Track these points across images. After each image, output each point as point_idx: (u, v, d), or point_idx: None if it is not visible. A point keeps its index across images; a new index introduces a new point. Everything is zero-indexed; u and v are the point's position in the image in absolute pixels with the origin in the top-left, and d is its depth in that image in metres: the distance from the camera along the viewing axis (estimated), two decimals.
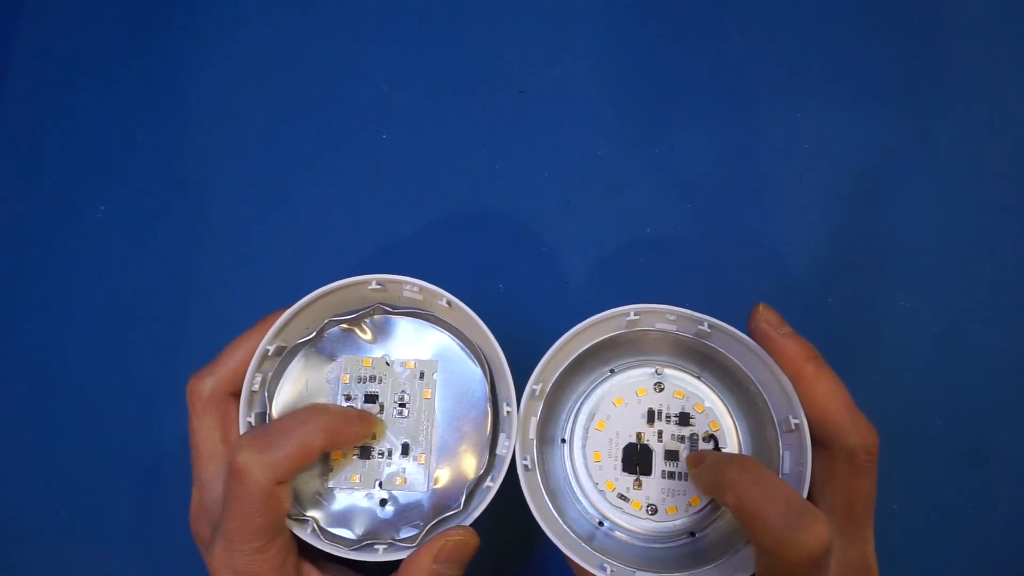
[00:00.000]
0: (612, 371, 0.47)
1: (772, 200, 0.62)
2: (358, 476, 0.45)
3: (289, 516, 0.42)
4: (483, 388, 0.46)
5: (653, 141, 0.63)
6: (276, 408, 0.45)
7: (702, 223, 0.61)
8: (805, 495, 0.40)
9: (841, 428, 0.40)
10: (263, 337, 0.43)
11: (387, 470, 0.45)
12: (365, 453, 0.45)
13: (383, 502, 0.45)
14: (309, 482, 0.44)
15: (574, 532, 0.44)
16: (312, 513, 0.43)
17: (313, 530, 0.42)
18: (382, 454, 0.45)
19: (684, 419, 0.46)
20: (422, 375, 0.46)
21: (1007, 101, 0.62)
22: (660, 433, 0.46)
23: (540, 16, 0.66)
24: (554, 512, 0.44)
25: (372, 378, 0.46)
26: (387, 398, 0.46)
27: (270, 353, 0.44)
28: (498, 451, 0.44)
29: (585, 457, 0.46)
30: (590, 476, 0.46)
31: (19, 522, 0.60)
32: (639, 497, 0.45)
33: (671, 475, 0.45)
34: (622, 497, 0.45)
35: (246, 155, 0.65)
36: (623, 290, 0.61)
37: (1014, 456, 0.57)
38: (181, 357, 0.61)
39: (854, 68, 0.63)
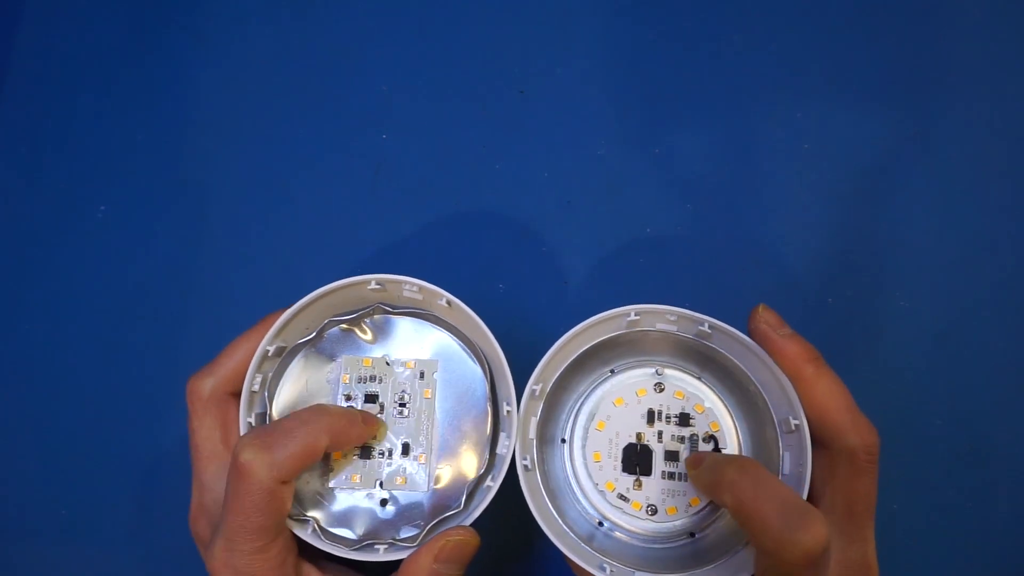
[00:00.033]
0: (612, 371, 0.47)
1: (772, 200, 0.62)
2: (359, 476, 0.45)
3: (290, 516, 0.42)
4: (483, 388, 0.46)
5: (653, 141, 0.63)
6: (276, 409, 0.45)
7: (702, 223, 0.61)
8: (805, 496, 0.41)
9: (842, 428, 0.40)
10: (263, 337, 0.43)
11: (387, 470, 0.45)
12: (366, 453, 0.45)
13: (383, 502, 0.45)
14: (310, 482, 0.44)
15: (574, 532, 0.44)
16: (313, 513, 0.43)
17: (314, 530, 0.42)
18: (382, 454, 0.45)
19: (684, 420, 0.46)
20: (422, 375, 0.46)
21: (1007, 101, 0.62)
22: (660, 433, 0.46)
23: (540, 16, 0.66)
24: (554, 512, 0.44)
25: (372, 378, 0.46)
26: (387, 398, 0.46)
27: (270, 353, 0.44)
28: (498, 451, 0.44)
29: (585, 457, 0.46)
30: (590, 476, 0.46)
31: (19, 522, 0.60)
32: (639, 497, 0.45)
33: (671, 476, 0.45)
34: (622, 497, 0.45)
35: (246, 155, 0.65)
36: (623, 290, 0.61)
37: (1014, 456, 0.57)
38: (181, 357, 0.61)
39: (854, 68, 0.63)
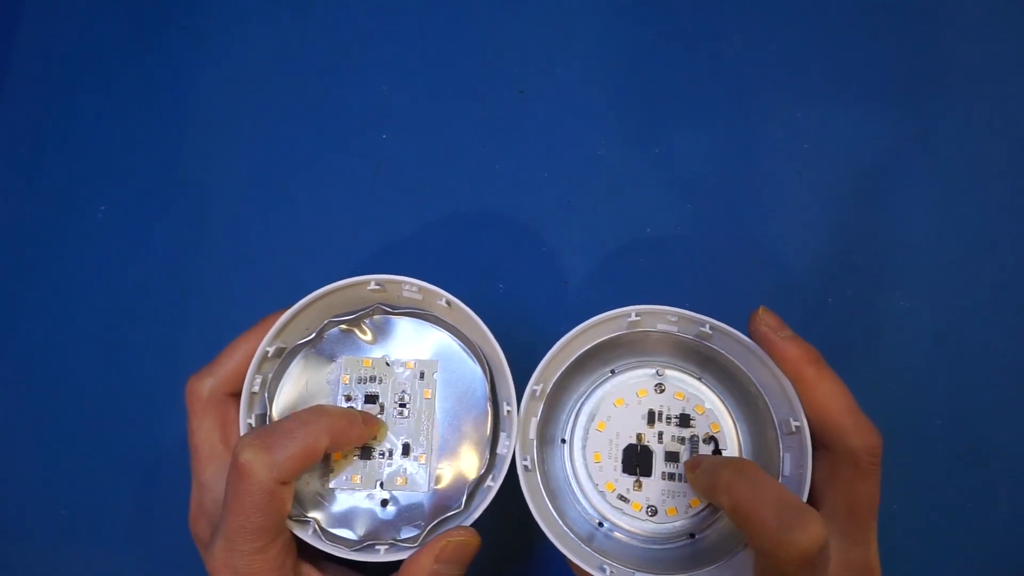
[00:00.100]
0: (613, 372, 0.47)
1: (772, 200, 0.61)
2: (359, 476, 0.45)
3: (290, 517, 0.42)
4: (483, 388, 0.46)
5: (653, 141, 0.63)
6: (276, 410, 0.45)
7: (702, 223, 0.61)
8: (805, 497, 0.41)
9: (844, 430, 0.40)
10: (262, 338, 0.43)
11: (388, 470, 0.45)
12: (366, 453, 0.45)
13: (384, 502, 0.45)
14: (310, 483, 0.44)
15: (574, 533, 0.44)
16: (313, 514, 0.43)
17: (314, 531, 0.42)
18: (383, 454, 0.45)
19: (684, 420, 0.46)
20: (422, 375, 0.46)
21: (1007, 101, 0.62)
22: (660, 434, 0.46)
23: (540, 16, 0.66)
24: (554, 513, 0.44)
25: (372, 378, 0.46)
26: (387, 398, 0.46)
27: (270, 354, 0.44)
28: (498, 451, 0.45)
29: (585, 458, 0.46)
30: (590, 477, 0.46)
31: (19, 522, 0.60)
32: (639, 498, 0.45)
33: (671, 476, 0.45)
34: (622, 498, 0.45)
35: (246, 155, 0.65)
36: (623, 290, 0.61)
37: (1014, 456, 0.57)
38: (181, 357, 0.61)
39: (854, 68, 0.63)
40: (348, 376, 0.46)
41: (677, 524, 0.45)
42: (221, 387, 0.44)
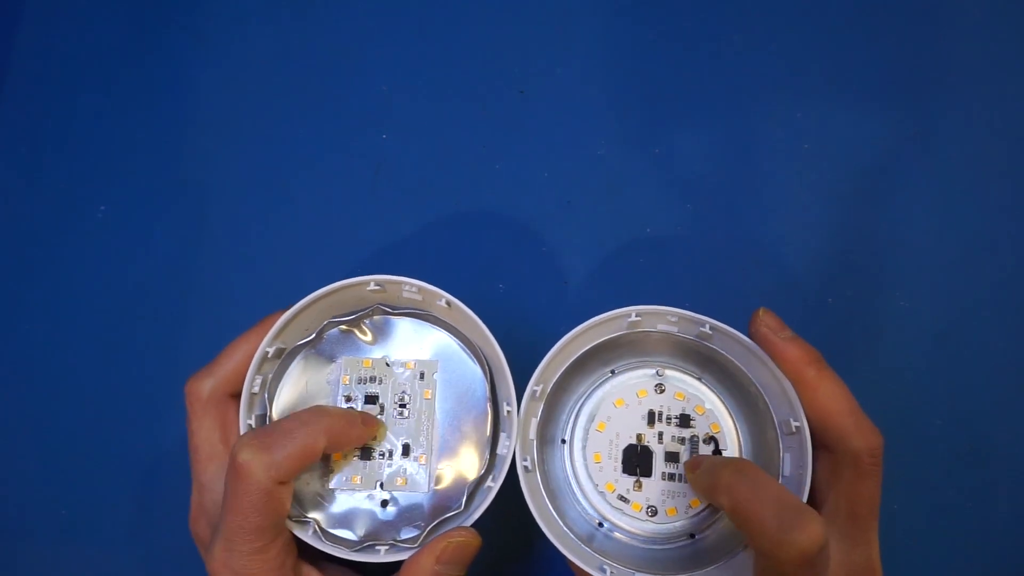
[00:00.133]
0: (613, 372, 0.47)
1: (772, 200, 0.61)
2: (359, 477, 0.45)
3: (290, 518, 0.42)
4: (483, 388, 0.46)
5: (653, 141, 0.63)
6: (276, 410, 0.45)
7: (702, 223, 0.61)
8: (805, 498, 0.41)
9: (845, 431, 0.40)
10: (262, 338, 0.43)
11: (388, 471, 0.45)
12: (366, 454, 0.45)
13: (384, 503, 0.45)
14: (310, 483, 0.44)
15: (574, 533, 0.44)
16: (313, 514, 0.43)
17: (314, 531, 0.42)
18: (383, 455, 0.45)
19: (685, 421, 0.46)
20: (422, 375, 0.46)
21: (1007, 101, 0.62)
22: (660, 435, 0.46)
23: (540, 16, 0.66)
24: (554, 513, 0.44)
25: (372, 379, 0.46)
26: (387, 399, 0.46)
27: (270, 355, 0.44)
28: (499, 451, 0.45)
29: (585, 458, 0.46)
30: (590, 477, 0.46)
31: (19, 522, 0.60)
32: (639, 499, 0.45)
33: (671, 477, 0.45)
34: (622, 498, 0.45)
35: (246, 155, 0.65)
36: (623, 290, 0.60)
37: (1014, 456, 0.57)
38: (181, 357, 0.61)
39: (854, 68, 0.63)
40: (348, 376, 0.46)
41: (677, 524, 0.45)
42: (221, 387, 0.44)
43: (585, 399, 0.47)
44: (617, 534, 0.45)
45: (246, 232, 0.63)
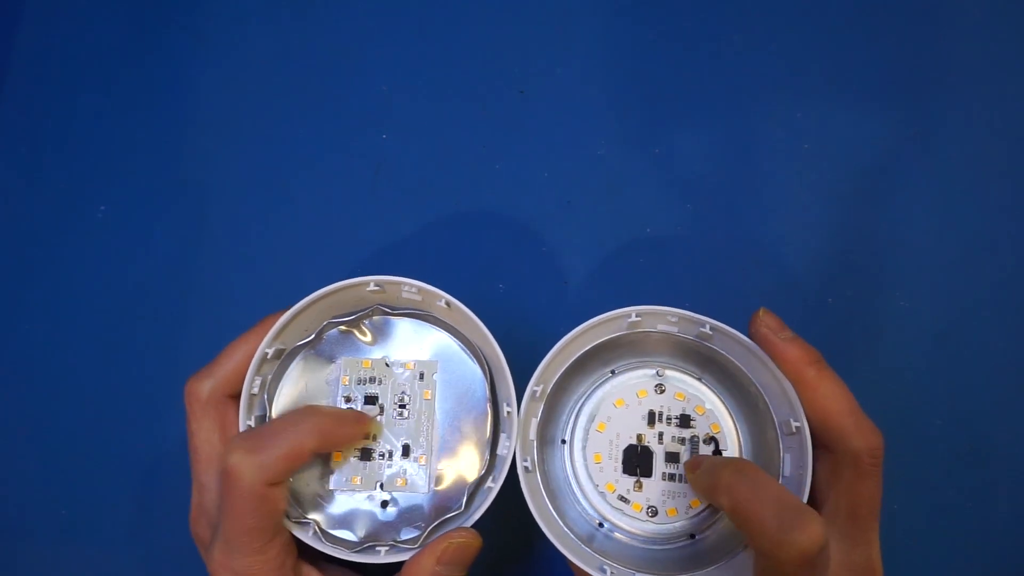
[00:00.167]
0: (613, 372, 0.47)
1: (772, 200, 0.61)
2: (359, 478, 0.45)
3: (290, 518, 0.42)
4: (483, 388, 0.46)
5: (653, 141, 0.63)
6: (276, 411, 0.45)
7: (702, 223, 0.61)
8: (806, 498, 0.41)
9: (845, 431, 0.40)
10: (261, 339, 0.43)
11: (388, 472, 0.45)
12: (366, 455, 0.45)
13: (384, 504, 0.45)
14: (310, 484, 0.44)
15: (574, 533, 0.44)
16: (313, 515, 0.43)
17: (314, 532, 0.42)
18: (383, 455, 0.45)
19: (685, 421, 0.46)
20: (422, 376, 0.46)
21: (1007, 101, 0.62)
22: (661, 435, 0.46)
23: (540, 16, 0.66)
24: (554, 513, 0.44)
25: (372, 379, 0.46)
26: (387, 399, 0.46)
27: (269, 356, 0.44)
28: (499, 452, 0.44)
29: (585, 458, 0.46)
30: (590, 477, 0.46)
31: (19, 522, 0.60)
32: (639, 499, 0.45)
33: (671, 477, 0.45)
34: (622, 499, 0.45)
35: (246, 155, 0.65)
36: (623, 290, 0.60)
37: (1014, 456, 0.57)
38: (181, 357, 0.61)
39: (854, 68, 0.63)
40: (348, 377, 0.46)
41: (677, 525, 0.45)
42: (220, 388, 0.43)
43: (585, 399, 0.47)
44: (617, 534, 0.45)
45: (246, 232, 0.63)
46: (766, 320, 0.42)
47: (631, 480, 0.45)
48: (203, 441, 0.43)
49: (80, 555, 0.59)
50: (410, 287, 0.44)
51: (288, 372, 0.46)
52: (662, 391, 0.46)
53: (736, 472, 0.38)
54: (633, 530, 0.45)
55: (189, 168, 0.65)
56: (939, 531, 0.56)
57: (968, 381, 0.58)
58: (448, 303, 0.44)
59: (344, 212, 0.63)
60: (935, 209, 0.60)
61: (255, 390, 0.43)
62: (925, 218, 0.60)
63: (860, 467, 0.40)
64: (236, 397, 0.43)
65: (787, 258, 0.60)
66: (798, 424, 0.41)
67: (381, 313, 0.47)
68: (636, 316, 0.44)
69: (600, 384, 0.47)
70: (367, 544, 0.43)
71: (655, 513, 0.45)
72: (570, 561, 0.41)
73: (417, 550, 0.41)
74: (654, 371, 0.47)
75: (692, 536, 0.45)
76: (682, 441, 0.45)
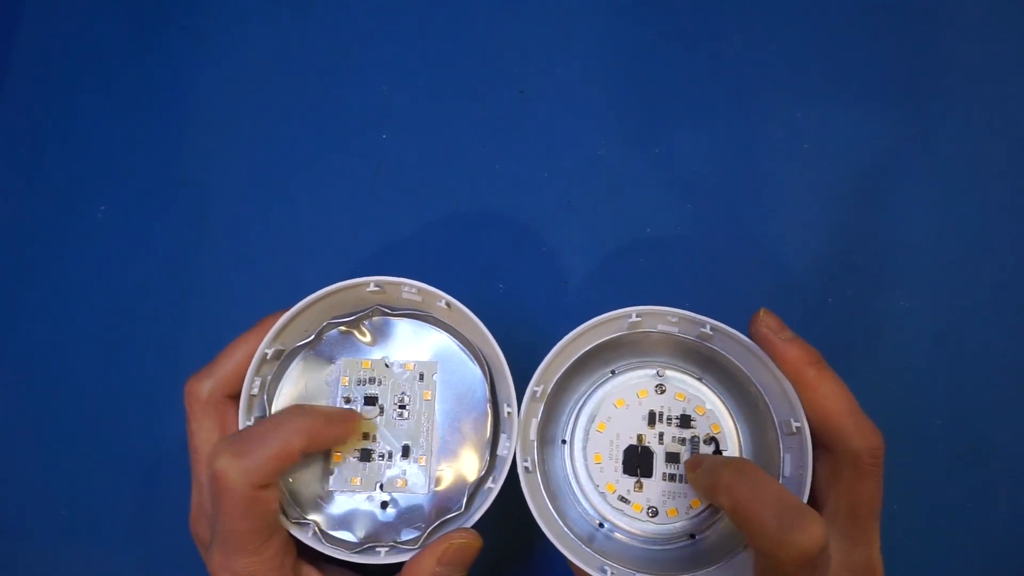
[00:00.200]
0: (613, 372, 0.47)
1: (772, 200, 0.61)
2: (359, 479, 0.45)
3: (290, 519, 0.42)
4: (483, 389, 0.46)
5: (653, 141, 0.63)
6: (275, 412, 0.45)
7: (702, 223, 0.61)
8: (806, 498, 0.41)
9: (845, 432, 0.40)
10: (261, 339, 0.43)
11: (388, 472, 0.45)
12: (365, 456, 0.45)
13: (384, 504, 0.45)
14: (309, 485, 0.44)
15: (574, 534, 0.44)
16: (313, 516, 0.43)
17: (314, 533, 0.42)
18: (382, 456, 0.45)
19: (685, 421, 0.46)
20: (422, 376, 0.46)
21: (1007, 101, 0.62)
22: (661, 435, 0.46)
23: (540, 16, 0.66)
24: (554, 514, 0.44)
25: (372, 380, 0.46)
26: (387, 400, 0.46)
27: (269, 356, 0.44)
28: (499, 452, 0.44)
29: (586, 459, 0.46)
30: (591, 478, 0.46)
31: (19, 522, 0.60)
32: (640, 499, 0.45)
33: (672, 477, 0.45)
34: (623, 499, 0.45)
35: (246, 155, 0.65)
36: (623, 290, 0.60)
37: (1014, 456, 0.57)
38: (181, 357, 0.61)
39: (854, 68, 0.63)
40: (347, 378, 0.46)
41: (678, 525, 0.45)
42: (220, 388, 0.43)
43: (585, 399, 0.47)
44: (617, 535, 0.45)
45: (246, 232, 0.63)
46: (766, 320, 0.42)
47: (631, 480, 0.45)
48: (203, 441, 0.43)
49: (80, 555, 0.59)
50: (410, 287, 0.44)
51: (288, 372, 0.46)
52: (662, 391, 0.46)
53: (736, 472, 0.38)
54: (633, 530, 0.45)
55: (189, 168, 0.65)
56: (939, 531, 0.56)
57: (968, 381, 0.58)
58: (448, 303, 0.44)
59: (344, 212, 0.63)
60: (935, 209, 0.60)
61: (255, 391, 0.43)
62: (925, 218, 0.60)
63: (860, 467, 0.40)
64: (236, 397, 0.43)
65: (787, 258, 0.60)
66: (798, 424, 0.41)
67: (381, 314, 0.47)
68: (636, 316, 0.44)
69: (600, 384, 0.47)
70: (367, 545, 0.43)
71: (655, 513, 0.45)
72: (570, 561, 0.41)
73: (417, 551, 0.41)
74: (654, 371, 0.47)
75: (692, 536, 0.45)
76: (682, 441, 0.45)
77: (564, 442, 0.47)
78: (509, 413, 0.43)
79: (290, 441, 0.39)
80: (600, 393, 0.47)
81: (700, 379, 0.46)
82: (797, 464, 0.42)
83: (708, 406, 0.46)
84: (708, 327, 0.43)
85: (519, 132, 0.64)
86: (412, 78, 0.65)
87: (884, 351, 0.59)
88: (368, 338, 0.47)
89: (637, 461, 0.45)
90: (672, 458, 0.45)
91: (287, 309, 0.44)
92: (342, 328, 0.47)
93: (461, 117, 0.64)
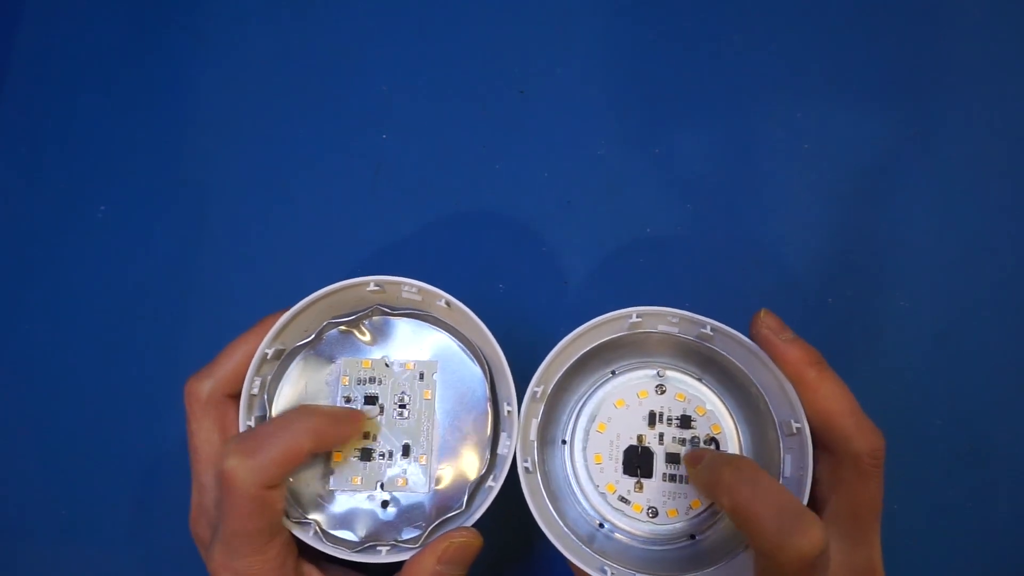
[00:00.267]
0: (613, 372, 0.47)
1: (772, 200, 0.61)
2: (359, 478, 0.45)
3: (291, 519, 0.42)
4: (483, 388, 0.46)
5: (653, 141, 0.63)
6: (276, 411, 0.45)
7: (702, 223, 0.61)
8: (806, 499, 0.41)
9: (846, 433, 0.40)
10: (261, 339, 0.43)
11: (388, 472, 0.45)
12: (366, 455, 0.45)
13: (385, 504, 0.45)
14: (310, 485, 0.44)
15: (574, 534, 0.44)
16: (314, 516, 0.43)
17: (315, 532, 0.42)
18: (383, 455, 0.45)
19: (685, 422, 0.46)
20: (422, 376, 0.46)
21: (1007, 101, 0.62)
22: (661, 436, 0.46)
23: (540, 16, 0.66)
24: (554, 514, 0.44)
25: (372, 379, 0.46)
26: (387, 399, 0.46)
27: (269, 356, 0.44)
28: (499, 451, 0.45)
29: (586, 459, 0.46)
30: (591, 478, 0.46)
31: (19, 522, 0.60)
32: (640, 499, 0.45)
33: (672, 478, 0.45)
34: (623, 499, 0.45)
35: (246, 155, 0.65)
36: (623, 290, 0.60)
37: (1014, 456, 0.57)
38: (181, 357, 0.61)
39: (854, 68, 0.63)
40: (348, 377, 0.46)
41: (678, 525, 0.45)
42: (220, 388, 0.43)
43: (586, 400, 0.47)
44: (617, 535, 0.45)
45: (246, 232, 0.63)
46: (767, 321, 0.42)
47: (631, 481, 0.45)
48: (203, 441, 0.43)
49: (80, 555, 0.59)
50: (410, 287, 0.44)
51: (288, 372, 0.46)
52: (663, 392, 0.46)
53: (737, 471, 0.38)
54: (633, 531, 0.45)
55: (189, 168, 0.65)
56: (939, 531, 0.56)
57: (968, 381, 0.58)
58: (448, 303, 0.44)
59: (344, 212, 0.63)
60: (935, 209, 0.60)
61: (255, 391, 0.43)
62: (925, 218, 0.60)
63: (861, 468, 0.40)
64: (236, 397, 0.43)
65: (787, 258, 0.60)
66: (799, 425, 0.41)
67: (381, 313, 0.47)
68: (637, 317, 0.44)
69: (601, 384, 0.47)
70: (368, 544, 0.43)
71: (655, 514, 0.45)
72: (570, 561, 0.41)
73: (418, 550, 0.41)
74: (655, 372, 0.47)
75: (692, 537, 0.45)
76: (683, 442, 0.45)
77: (564, 442, 0.47)
78: (509, 412, 0.43)
79: (299, 441, 0.39)
80: (600, 393, 0.47)
81: (700, 380, 0.46)
82: (797, 465, 0.42)
83: (708, 407, 0.46)
84: (708, 327, 0.43)
85: (519, 132, 0.64)
86: (412, 78, 0.65)
87: (884, 351, 0.58)
88: (368, 337, 0.47)
89: (637, 461, 0.45)
90: (672, 459, 0.45)
91: (287, 309, 0.44)
92: (342, 328, 0.47)
93: (461, 117, 0.64)
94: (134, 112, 0.66)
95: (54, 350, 0.62)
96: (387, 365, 0.46)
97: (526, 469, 0.43)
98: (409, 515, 0.45)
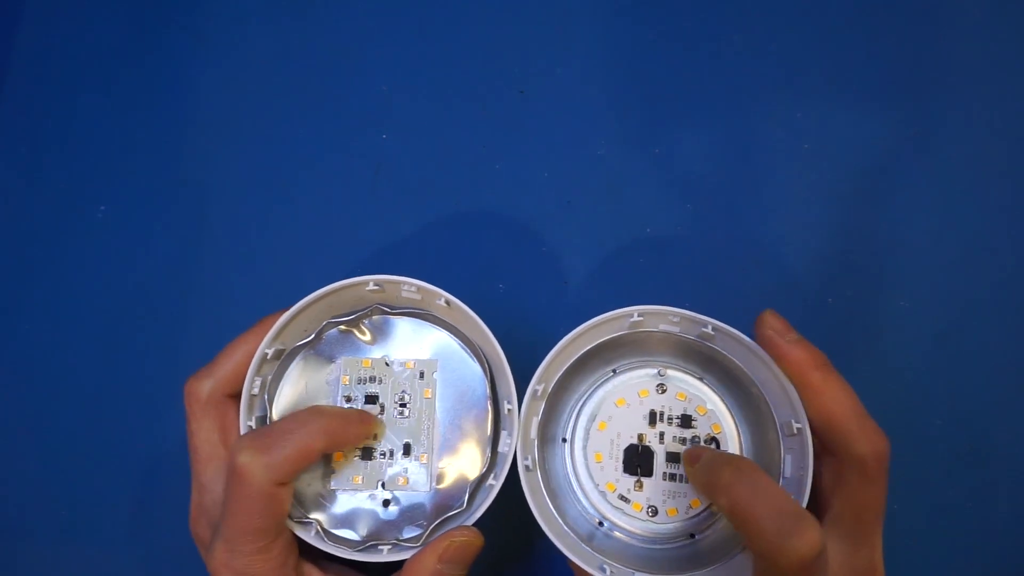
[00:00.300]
0: (614, 371, 0.47)
1: (772, 200, 0.61)
2: (360, 477, 0.45)
3: (292, 518, 0.42)
4: (483, 386, 0.46)
5: (653, 141, 0.63)
6: (276, 411, 0.45)
7: (702, 223, 0.61)
8: (806, 500, 0.40)
9: (850, 435, 0.40)
10: (261, 339, 0.43)
11: (389, 471, 0.45)
12: (367, 454, 0.45)
13: (386, 503, 0.45)
14: (311, 484, 0.44)
15: (574, 532, 0.44)
16: (315, 515, 0.43)
17: (317, 532, 0.42)
18: (384, 455, 0.45)
19: (686, 421, 0.46)
20: (422, 375, 0.46)
21: (1007, 101, 0.62)
22: (662, 435, 0.46)
23: (540, 16, 0.66)
24: (554, 512, 0.44)
25: (372, 379, 0.46)
26: (387, 399, 0.46)
27: (269, 356, 0.44)
28: (500, 449, 0.45)
29: (586, 458, 0.46)
30: (591, 477, 0.46)
31: (19, 522, 0.60)
32: (640, 498, 0.45)
33: (672, 477, 0.45)
34: (623, 498, 0.45)
35: (246, 155, 0.65)
36: (623, 290, 0.60)
37: (1014, 456, 0.57)
38: (181, 357, 0.61)
39: (854, 68, 0.63)
40: (348, 377, 0.46)
41: (677, 525, 0.45)
42: (220, 388, 0.43)
43: (586, 398, 0.47)
44: (617, 534, 0.45)
45: (246, 232, 0.63)
46: (771, 322, 0.42)
47: (631, 479, 0.45)
48: (203, 441, 0.43)
49: (80, 555, 0.59)
50: (409, 286, 0.44)
51: (288, 372, 0.46)
52: (663, 391, 0.46)
53: (736, 471, 0.37)
54: (633, 529, 0.45)
55: (189, 168, 0.65)
56: (939, 531, 0.56)
57: (968, 381, 0.58)
58: (448, 301, 0.44)
59: (344, 212, 0.63)
60: (935, 209, 0.60)
61: (255, 391, 0.43)
62: (925, 218, 0.60)
63: (866, 472, 0.39)
64: (236, 397, 0.44)
65: (787, 258, 0.60)
66: (799, 425, 0.41)
67: (380, 312, 0.47)
68: (638, 316, 0.44)
69: (601, 383, 0.47)
70: (369, 543, 0.43)
71: (655, 513, 0.45)
72: (570, 560, 0.41)
73: (419, 548, 0.41)
74: (656, 371, 0.47)
75: (692, 536, 0.45)
76: (683, 441, 0.45)
77: (565, 441, 0.47)
78: (509, 410, 0.43)
79: (313, 440, 0.39)
80: (601, 392, 0.47)
81: (701, 379, 0.46)
82: (798, 465, 0.42)
83: (709, 406, 0.46)
84: (710, 327, 0.43)
85: (519, 132, 0.64)
86: (412, 78, 0.65)
87: (884, 351, 0.58)
88: (368, 337, 0.47)
89: (637, 460, 0.45)
90: (672, 458, 0.45)
91: (287, 309, 0.44)
92: (342, 327, 0.47)
93: (461, 117, 0.64)
94: (134, 112, 0.66)
95: (54, 350, 0.62)
96: (387, 364, 0.46)
97: (526, 467, 0.43)
98: (410, 514, 0.45)
